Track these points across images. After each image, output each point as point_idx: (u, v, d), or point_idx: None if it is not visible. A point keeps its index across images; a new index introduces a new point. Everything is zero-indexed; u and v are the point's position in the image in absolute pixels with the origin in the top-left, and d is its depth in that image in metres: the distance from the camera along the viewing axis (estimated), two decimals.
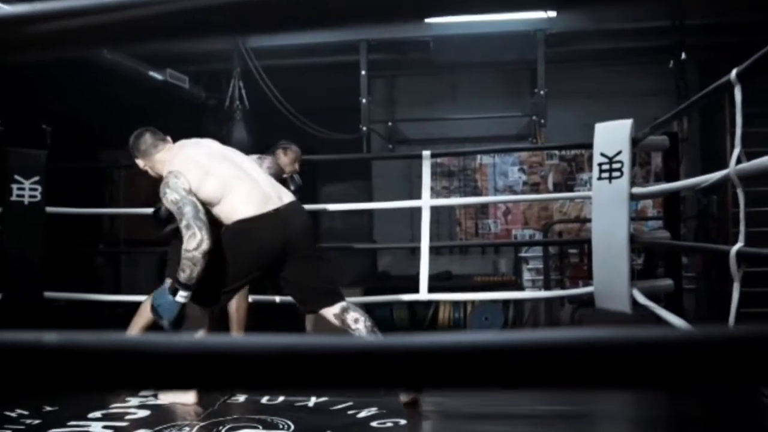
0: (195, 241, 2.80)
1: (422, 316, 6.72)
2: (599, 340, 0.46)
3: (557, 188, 7.41)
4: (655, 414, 3.01)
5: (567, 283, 6.78)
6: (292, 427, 2.79)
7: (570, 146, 6.63)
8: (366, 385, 0.51)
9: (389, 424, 2.79)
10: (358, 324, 2.99)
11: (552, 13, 6.03)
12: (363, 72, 6.56)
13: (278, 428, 2.78)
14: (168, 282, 3.05)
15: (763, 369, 0.45)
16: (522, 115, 7.13)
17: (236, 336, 0.72)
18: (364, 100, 6.60)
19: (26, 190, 4.29)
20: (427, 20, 5.74)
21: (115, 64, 5.74)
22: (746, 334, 0.45)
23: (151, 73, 6.18)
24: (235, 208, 2.94)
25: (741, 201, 2.50)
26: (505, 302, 6.49)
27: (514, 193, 7.47)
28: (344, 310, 3.02)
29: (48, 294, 4.43)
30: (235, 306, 4.17)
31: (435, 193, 7.11)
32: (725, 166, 2.55)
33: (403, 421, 2.82)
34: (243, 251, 2.96)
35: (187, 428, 2.80)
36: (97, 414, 3.00)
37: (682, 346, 0.46)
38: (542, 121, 6.45)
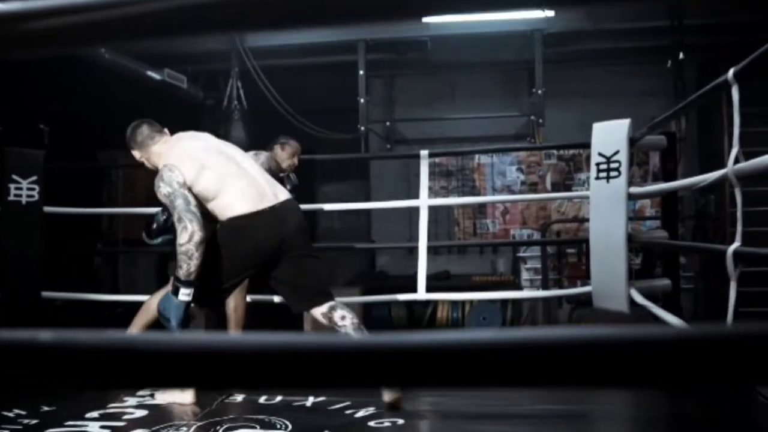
0: (187, 234, 2.79)
1: (420, 316, 6.72)
2: (597, 339, 0.46)
3: (555, 188, 7.41)
4: (653, 414, 3.01)
5: (565, 283, 6.79)
6: (290, 426, 2.79)
7: (568, 146, 6.64)
8: (364, 383, 0.51)
9: (387, 424, 2.79)
10: (345, 321, 2.99)
11: (550, 13, 6.04)
12: (361, 72, 6.56)
13: (276, 428, 2.78)
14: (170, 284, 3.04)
15: (760, 368, 0.45)
16: (520, 114, 7.14)
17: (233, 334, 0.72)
18: (362, 100, 6.60)
19: (24, 189, 4.28)
20: (424, 20, 5.75)
21: (113, 64, 5.74)
22: (743, 333, 0.45)
23: (149, 73, 6.18)
24: (230, 205, 2.93)
25: (738, 201, 2.50)
26: (503, 302, 6.49)
27: (512, 192, 7.48)
28: (332, 309, 3.02)
29: (46, 294, 4.43)
30: (233, 305, 4.16)
31: (433, 192, 7.12)
32: (723, 165, 2.56)
33: (401, 421, 2.82)
34: (238, 248, 2.95)
35: (185, 428, 2.79)
36: (95, 414, 2.99)
37: (680, 344, 0.46)
38: (540, 120, 6.46)
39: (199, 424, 2.85)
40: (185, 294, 2.85)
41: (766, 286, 5.14)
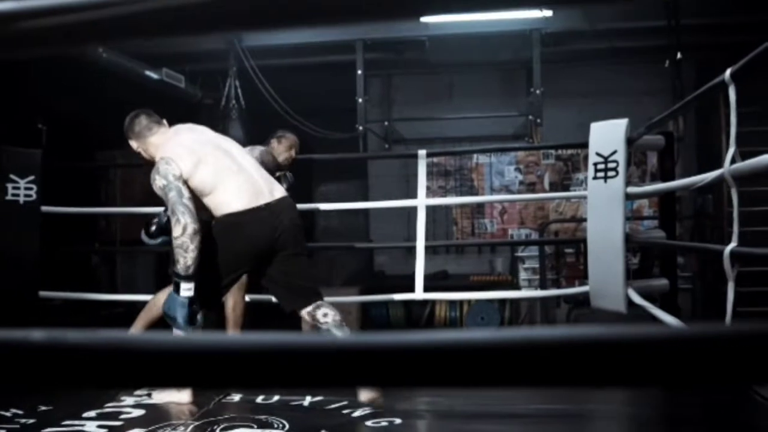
0: (180, 227, 2.79)
1: (418, 316, 6.72)
2: (595, 339, 0.46)
3: (553, 188, 7.42)
4: (650, 413, 3.02)
5: (563, 283, 6.80)
6: (287, 426, 2.78)
7: (566, 146, 6.65)
8: (363, 383, 0.51)
9: (384, 424, 2.78)
10: (327, 318, 3.00)
11: (548, 13, 6.04)
12: (359, 71, 6.56)
13: (273, 427, 2.77)
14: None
15: (757, 368, 0.45)
16: (518, 114, 7.15)
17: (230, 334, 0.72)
18: (360, 100, 6.60)
19: (21, 189, 4.28)
20: (423, 19, 5.75)
21: (111, 63, 5.73)
22: (740, 333, 0.45)
23: (147, 72, 6.18)
24: (225, 201, 2.93)
25: (735, 200, 2.50)
26: (502, 302, 6.50)
27: (511, 192, 7.48)
28: (317, 307, 3.03)
29: (43, 293, 4.42)
30: (232, 304, 4.15)
31: (431, 192, 7.12)
32: (721, 165, 2.56)
33: (398, 421, 2.82)
34: (233, 246, 2.95)
35: (182, 427, 2.79)
36: (92, 413, 2.99)
37: (677, 344, 0.46)
38: (538, 120, 6.46)
39: (197, 423, 2.84)
40: (186, 289, 2.83)
41: (763, 286, 5.15)
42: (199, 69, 6.85)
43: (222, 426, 2.79)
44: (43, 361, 0.48)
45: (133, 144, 3.11)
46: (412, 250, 4.59)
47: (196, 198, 2.90)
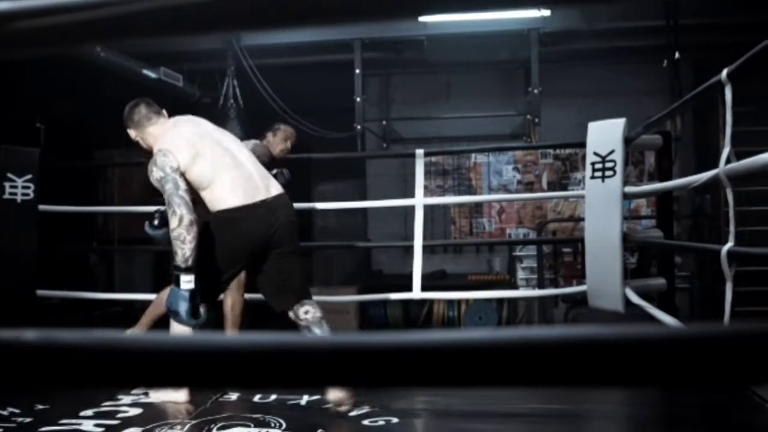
0: (176, 219, 2.79)
1: (416, 315, 6.73)
2: (592, 339, 0.46)
3: (551, 187, 7.42)
4: (647, 413, 3.02)
5: (561, 282, 6.80)
6: (284, 425, 2.78)
7: (564, 145, 6.65)
8: (361, 383, 0.51)
9: (381, 423, 2.78)
10: (308, 315, 3.01)
11: (546, 13, 6.04)
12: (357, 71, 6.56)
13: (270, 426, 2.77)
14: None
15: (755, 368, 0.45)
16: (516, 114, 7.15)
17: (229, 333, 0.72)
18: (358, 99, 6.60)
19: (19, 188, 4.27)
20: (421, 19, 5.74)
21: (109, 62, 5.73)
22: (738, 333, 0.45)
23: (146, 72, 6.17)
24: (221, 196, 2.92)
25: (730, 200, 2.51)
26: (499, 301, 6.51)
27: (509, 192, 7.48)
28: (301, 304, 3.03)
29: (41, 292, 4.42)
30: (230, 303, 4.15)
31: (429, 191, 7.12)
32: (719, 165, 2.56)
33: (395, 420, 2.82)
34: (228, 242, 2.94)
35: (179, 426, 2.79)
36: (89, 412, 2.99)
37: (675, 344, 0.46)
38: (536, 120, 6.46)
39: (194, 422, 2.84)
40: (187, 281, 2.82)
41: (761, 286, 5.15)
42: (197, 68, 6.85)
43: (219, 425, 2.79)
44: (35, 361, 0.48)
45: (132, 133, 3.11)
46: (410, 250, 4.59)
47: (193, 191, 2.90)
